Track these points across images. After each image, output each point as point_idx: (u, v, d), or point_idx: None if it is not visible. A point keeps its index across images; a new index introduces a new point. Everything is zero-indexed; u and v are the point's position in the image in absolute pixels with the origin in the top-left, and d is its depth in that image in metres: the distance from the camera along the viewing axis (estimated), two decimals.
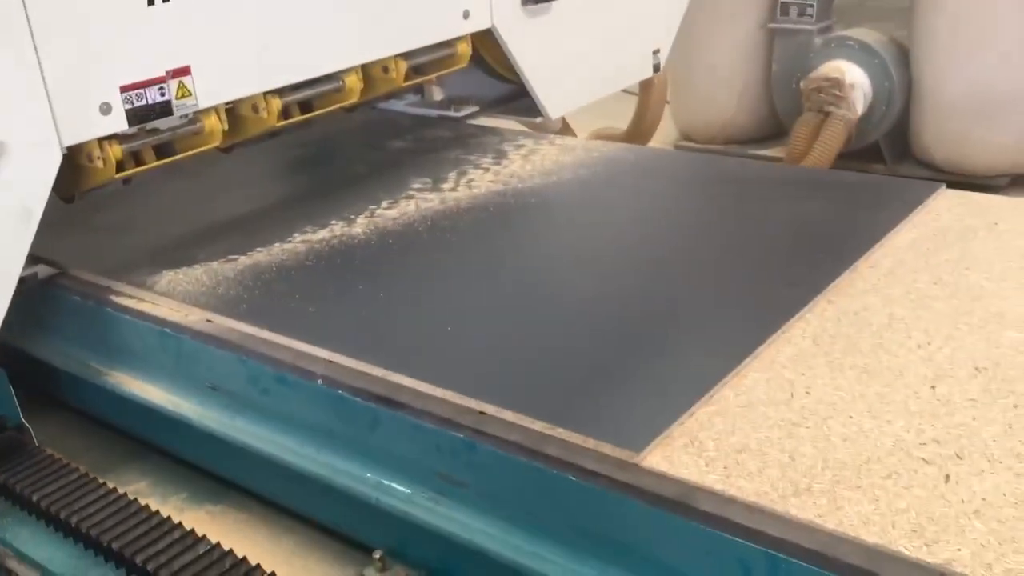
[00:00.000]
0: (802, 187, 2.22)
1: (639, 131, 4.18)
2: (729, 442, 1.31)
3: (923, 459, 1.25)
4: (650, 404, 1.41)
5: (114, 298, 1.97)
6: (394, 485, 1.54)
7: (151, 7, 1.96)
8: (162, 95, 2.02)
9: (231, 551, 1.63)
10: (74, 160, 1.98)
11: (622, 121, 4.33)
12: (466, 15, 2.71)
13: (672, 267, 1.89)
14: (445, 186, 2.39)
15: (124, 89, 1.95)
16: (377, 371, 1.57)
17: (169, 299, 1.90)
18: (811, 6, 4.25)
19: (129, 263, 2.09)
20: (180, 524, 1.71)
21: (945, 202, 2.03)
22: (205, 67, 2.07)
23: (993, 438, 1.28)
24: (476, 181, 2.41)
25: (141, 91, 1.98)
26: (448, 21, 2.67)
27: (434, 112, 3.13)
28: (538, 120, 3.16)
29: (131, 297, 1.95)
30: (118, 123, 1.95)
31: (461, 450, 1.43)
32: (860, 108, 4.09)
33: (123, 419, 2.05)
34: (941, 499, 1.17)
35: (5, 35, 1.72)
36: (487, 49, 2.97)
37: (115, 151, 2.01)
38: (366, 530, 1.61)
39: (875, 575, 1.08)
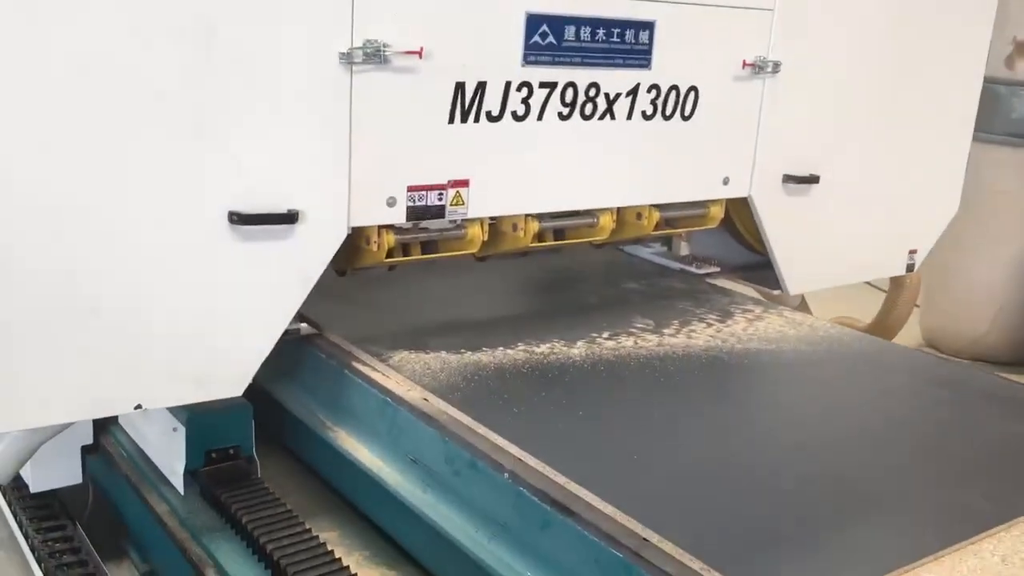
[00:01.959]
0: (1012, 396, 2.12)
1: (882, 327, 4.07)
2: None
3: None
4: (811, 569, 1.41)
5: (352, 363, 2.23)
6: None
7: (450, 125, 2.27)
8: (439, 200, 2.31)
9: None
10: (354, 240, 2.29)
11: (866, 316, 4.24)
12: (726, 181, 2.86)
13: (873, 456, 1.87)
14: (666, 331, 2.50)
15: (410, 189, 2.25)
16: (559, 478, 1.67)
17: (398, 373, 2.12)
18: None
19: (374, 336, 2.35)
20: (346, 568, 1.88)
21: None
22: (481, 183, 2.35)
23: None
24: (696, 333, 2.50)
25: (423, 193, 2.28)
26: (707, 183, 2.84)
27: (676, 265, 3.27)
28: (776, 293, 3.21)
29: (366, 365, 2.20)
30: (398, 216, 2.24)
31: (618, 569, 1.49)
32: None
33: (332, 472, 2.27)
34: None
35: (330, 124, 2.06)
36: (739, 215, 3.10)
37: (389, 239, 2.30)
38: None
39: None
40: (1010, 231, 4.39)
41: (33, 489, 2.55)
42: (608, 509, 1.57)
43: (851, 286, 3.81)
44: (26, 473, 2.50)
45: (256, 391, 2.29)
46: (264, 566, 2.00)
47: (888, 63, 3.10)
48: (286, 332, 2.25)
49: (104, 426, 2.63)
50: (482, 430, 1.85)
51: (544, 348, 2.32)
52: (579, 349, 2.33)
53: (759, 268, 3.30)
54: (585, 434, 1.89)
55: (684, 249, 3.48)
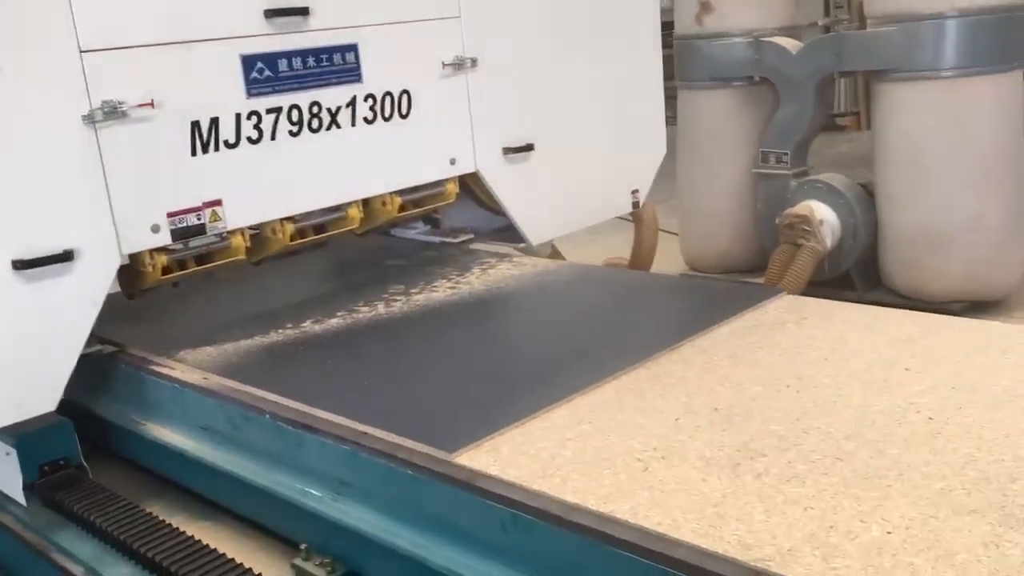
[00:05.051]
0: (678, 292, 2.81)
1: (638, 260, 4.77)
2: (519, 449, 1.87)
3: (639, 459, 1.78)
4: (479, 425, 1.99)
5: (148, 366, 2.68)
6: (310, 489, 2.14)
7: (193, 157, 2.73)
8: (198, 220, 2.77)
9: (199, 541, 2.25)
10: (134, 266, 2.73)
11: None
12: (453, 162, 3.43)
13: (545, 342, 2.52)
14: (413, 291, 3.06)
15: (170, 215, 2.70)
16: (304, 407, 2.20)
17: (183, 364, 2.60)
18: (786, 154, 4.86)
19: (166, 343, 2.80)
20: (170, 524, 2.35)
21: (780, 303, 2.57)
22: (232, 200, 2.82)
23: (694, 449, 1.80)
24: (437, 288, 3.07)
25: (183, 216, 2.73)
26: (436, 166, 3.40)
27: (437, 239, 3.84)
28: (522, 246, 3.82)
29: (159, 364, 2.66)
30: (164, 239, 2.69)
31: (348, 458, 2.04)
32: (829, 241, 4.61)
33: (151, 458, 2.71)
34: (634, 480, 1.70)
35: (85, 174, 2.49)
36: (477, 187, 3.68)
37: (161, 260, 2.74)
38: (294, 527, 2.21)
39: (577, 524, 1.61)
40: (726, 160, 5.19)
41: None
42: (338, 420, 2.11)
43: (619, 227, 4.49)
44: None
45: (79, 409, 2.73)
46: (98, 540, 2.44)
47: (572, 42, 3.74)
48: (91, 355, 2.68)
49: None
50: (249, 389, 2.36)
51: (307, 324, 2.83)
52: (337, 319, 2.86)
53: (510, 228, 3.91)
54: (329, 375, 2.43)
55: (447, 224, 4.05)
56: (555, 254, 4.33)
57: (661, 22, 4.32)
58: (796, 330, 2.36)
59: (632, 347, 2.37)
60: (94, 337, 2.74)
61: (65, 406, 2.63)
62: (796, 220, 4.61)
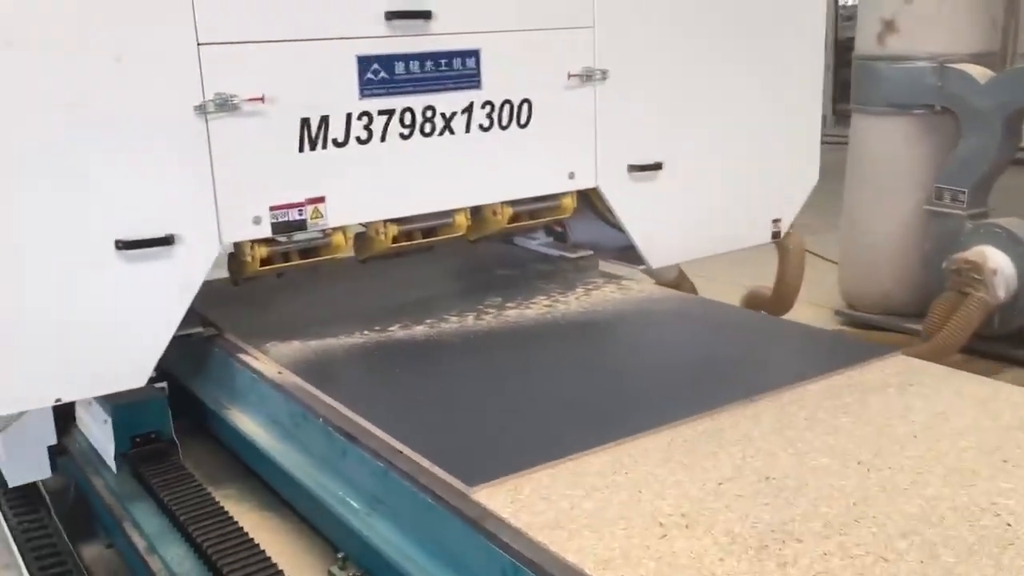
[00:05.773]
0: (781, 337, 2.56)
1: (780, 293, 4.45)
2: (540, 493, 1.75)
3: (660, 523, 1.61)
4: (510, 460, 1.87)
5: (237, 353, 2.74)
6: (350, 500, 2.10)
7: (300, 153, 2.77)
8: (300, 215, 2.80)
9: (246, 534, 2.28)
10: (238, 255, 2.80)
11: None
12: (571, 175, 3.30)
13: (616, 377, 2.37)
14: (508, 305, 2.97)
15: (272, 208, 2.74)
16: (354, 416, 2.16)
17: (266, 356, 2.64)
18: (963, 192, 4.38)
19: (259, 332, 2.86)
20: (228, 512, 2.39)
21: (890, 363, 2.28)
22: (336, 198, 2.83)
23: (725, 521, 1.60)
24: (534, 305, 2.96)
25: (285, 211, 2.77)
26: (553, 179, 3.27)
27: (555, 252, 3.73)
28: (643, 267, 3.63)
29: (246, 353, 2.71)
30: (264, 232, 2.73)
31: (380, 475, 1.98)
32: (1001, 293, 4.11)
33: (233, 442, 2.77)
34: (645, 547, 1.53)
35: (193, 164, 2.56)
36: (599, 202, 3.54)
37: (261, 251, 2.79)
38: (335, 533, 2.18)
39: None
40: (896, 193, 4.75)
41: (10, 484, 3.10)
42: (380, 433, 2.06)
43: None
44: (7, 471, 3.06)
45: (177, 387, 2.84)
46: (166, 517, 2.52)
47: (717, 56, 3.51)
48: (191, 335, 2.78)
49: (66, 429, 3.18)
50: (312, 390, 2.35)
51: (394, 328, 2.80)
52: (424, 326, 2.81)
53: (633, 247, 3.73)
54: (391, 385, 2.39)
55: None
56: (682, 278, 4.11)
57: (842, 38, 4.01)
58: (895, 397, 2.09)
59: (706, 393, 2.18)
60: (199, 317, 2.85)
61: (173, 383, 2.78)
62: (966, 266, 4.16)
